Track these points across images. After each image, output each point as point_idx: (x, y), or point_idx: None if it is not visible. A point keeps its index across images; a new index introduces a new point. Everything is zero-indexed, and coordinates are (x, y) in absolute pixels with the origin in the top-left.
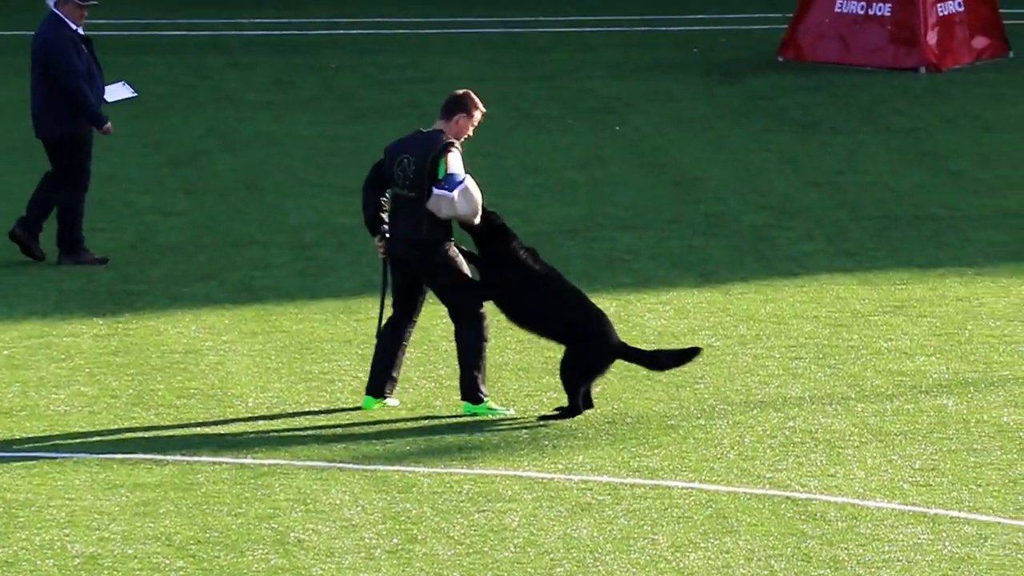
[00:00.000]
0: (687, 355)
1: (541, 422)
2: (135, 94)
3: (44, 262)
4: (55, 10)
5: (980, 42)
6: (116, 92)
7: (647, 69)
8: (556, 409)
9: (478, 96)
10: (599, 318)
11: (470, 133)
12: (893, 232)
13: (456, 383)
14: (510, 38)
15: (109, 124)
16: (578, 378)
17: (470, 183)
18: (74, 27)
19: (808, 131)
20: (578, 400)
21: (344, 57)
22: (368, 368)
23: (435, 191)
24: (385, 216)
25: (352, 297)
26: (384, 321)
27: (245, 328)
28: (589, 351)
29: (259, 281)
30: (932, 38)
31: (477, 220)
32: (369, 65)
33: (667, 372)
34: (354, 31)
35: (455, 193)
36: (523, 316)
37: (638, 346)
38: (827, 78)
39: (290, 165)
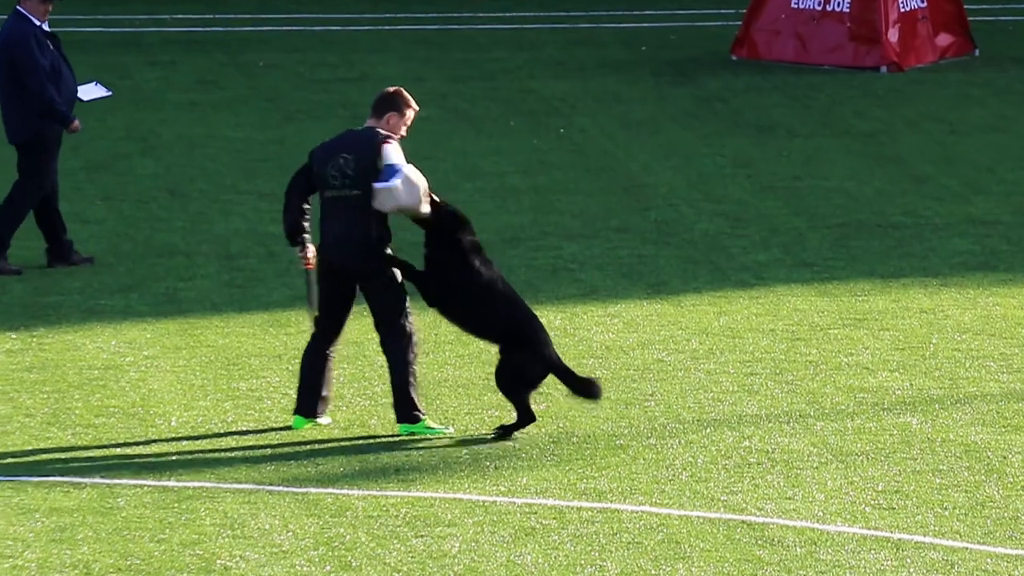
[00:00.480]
0: (588, 387)
1: (481, 441)
2: (110, 93)
3: None
4: (19, 7)
5: (944, 40)
6: (90, 91)
7: (593, 68)
8: (499, 427)
9: (411, 95)
10: (536, 325)
11: (403, 132)
12: (853, 241)
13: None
14: (447, 35)
15: (77, 122)
16: (519, 386)
17: (410, 171)
18: (38, 23)
19: (764, 134)
20: (528, 406)
21: (272, 55)
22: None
23: (375, 185)
24: (307, 225)
25: (282, 310)
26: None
27: (168, 343)
28: (525, 358)
29: (183, 293)
30: (894, 35)
31: (425, 209)
32: (298, 64)
33: (616, 390)
34: (283, 28)
35: (396, 182)
36: (461, 313)
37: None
38: (783, 78)
39: (215, 170)
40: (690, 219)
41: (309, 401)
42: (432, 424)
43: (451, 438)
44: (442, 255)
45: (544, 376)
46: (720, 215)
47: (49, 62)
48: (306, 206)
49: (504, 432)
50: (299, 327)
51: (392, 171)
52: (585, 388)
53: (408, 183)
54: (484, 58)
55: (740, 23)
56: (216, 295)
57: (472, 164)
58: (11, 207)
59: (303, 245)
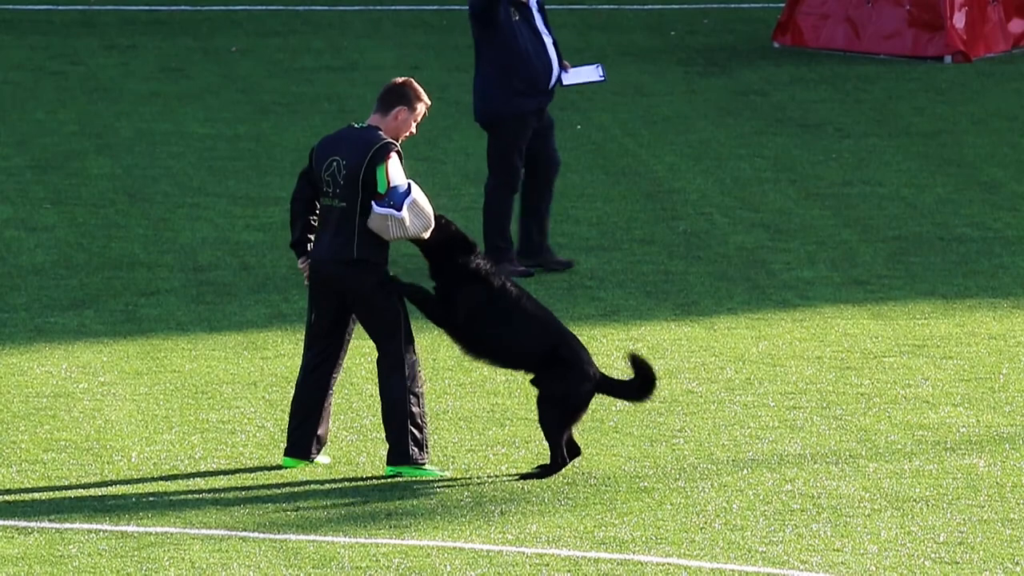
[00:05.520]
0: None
1: (485, 482)
2: (602, 78)
3: None
4: None
5: (1018, 26)
6: (581, 75)
7: (614, 56)
8: (537, 467)
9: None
10: (574, 344)
11: (413, 130)
12: (912, 256)
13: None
14: (448, 18)
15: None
16: (561, 421)
17: (417, 194)
18: None
19: (809, 133)
20: (562, 450)
21: (247, 40)
22: (278, 415)
23: (377, 209)
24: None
25: (257, 330)
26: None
27: (127, 367)
28: (567, 386)
29: (144, 310)
30: (960, 21)
31: (427, 235)
32: (277, 50)
33: (640, 424)
34: (259, 7)
35: (404, 212)
36: (489, 346)
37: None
38: (832, 69)
39: (181, 170)
40: (724, 230)
41: (303, 439)
42: (427, 462)
43: (449, 480)
44: (458, 280)
45: (590, 399)
46: (759, 226)
47: (510, 32)
48: (313, 217)
49: (528, 477)
50: (277, 350)
51: (398, 196)
52: (640, 389)
53: (416, 209)
54: None
55: (783, 5)
56: (182, 313)
57: (476, 165)
58: (488, 209)
59: (307, 257)
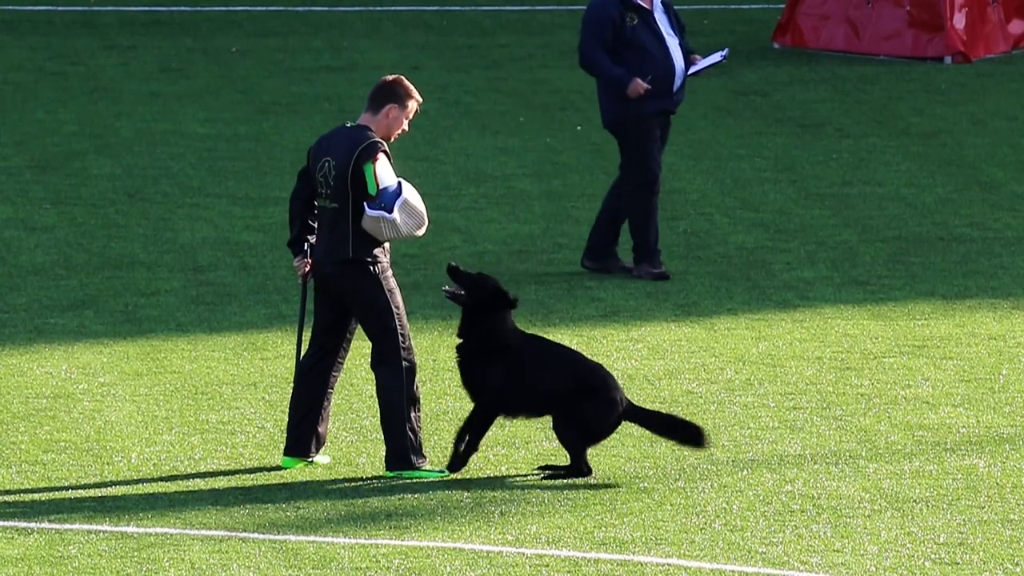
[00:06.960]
0: (692, 431)
1: (485, 483)
2: (723, 58)
3: None
4: None
5: (1018, 27)
6: (705, 61)
7: None
8: (549, 468)
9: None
10: (602, 373)
11: (405, 128)
12: (912, 256)
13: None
14: (448, 18)
15: (636, 83)
16: (581, 441)
17: (408, 193)
18: None
19: (809, 133)
20: (585, 460)
21: (246, 40)
22: (278, 416)
23: (369, 212)
24: (312, 237)
25: (257, 330)
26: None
27: (127, 368)
28: (589, 409)
29: (144, 311)
30: (960, 21)
31: (421, 232)
32: (277, 50)
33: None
34: (259, 8)
35: (395, 213)
36: (526, 402)
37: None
38: (832, 69)
39: (180, 170)
40: (724, 230)
41: (302, 437)
42: (425, 466)
43: (450, 480)
44: (485, 352)
45: (615, 426)
46: (759, 226)
47: (608, 37)
48: (311, 217)
49: (551, 475)
50: (277, 351)
51: (388, 197)
52: (674, 429)
53: (408, 209)
54: (489, 44)
55: (783, 6)
56: (182, 313)
57: (476, 166)
58: (626, 212)
59: (303, 256)
